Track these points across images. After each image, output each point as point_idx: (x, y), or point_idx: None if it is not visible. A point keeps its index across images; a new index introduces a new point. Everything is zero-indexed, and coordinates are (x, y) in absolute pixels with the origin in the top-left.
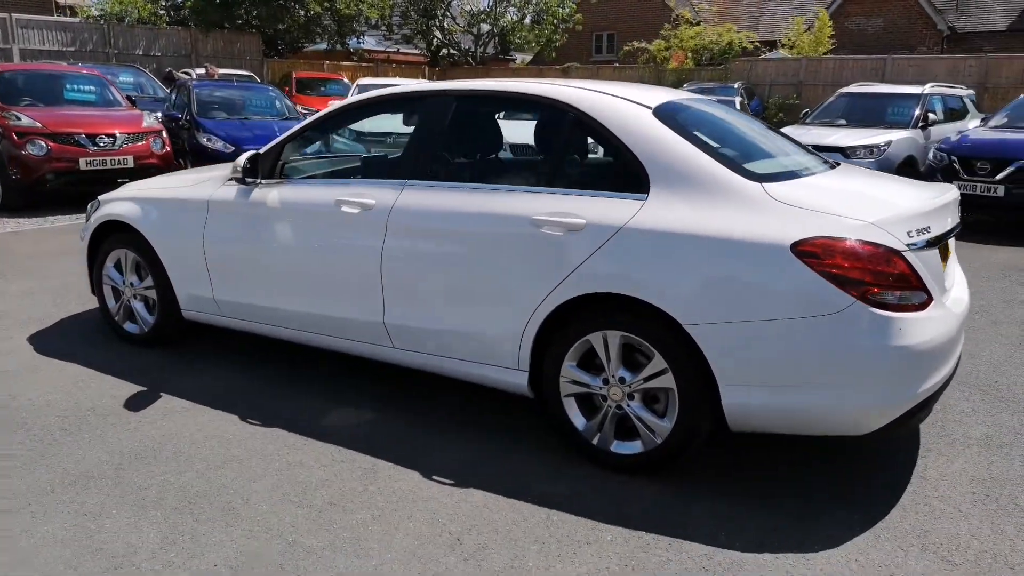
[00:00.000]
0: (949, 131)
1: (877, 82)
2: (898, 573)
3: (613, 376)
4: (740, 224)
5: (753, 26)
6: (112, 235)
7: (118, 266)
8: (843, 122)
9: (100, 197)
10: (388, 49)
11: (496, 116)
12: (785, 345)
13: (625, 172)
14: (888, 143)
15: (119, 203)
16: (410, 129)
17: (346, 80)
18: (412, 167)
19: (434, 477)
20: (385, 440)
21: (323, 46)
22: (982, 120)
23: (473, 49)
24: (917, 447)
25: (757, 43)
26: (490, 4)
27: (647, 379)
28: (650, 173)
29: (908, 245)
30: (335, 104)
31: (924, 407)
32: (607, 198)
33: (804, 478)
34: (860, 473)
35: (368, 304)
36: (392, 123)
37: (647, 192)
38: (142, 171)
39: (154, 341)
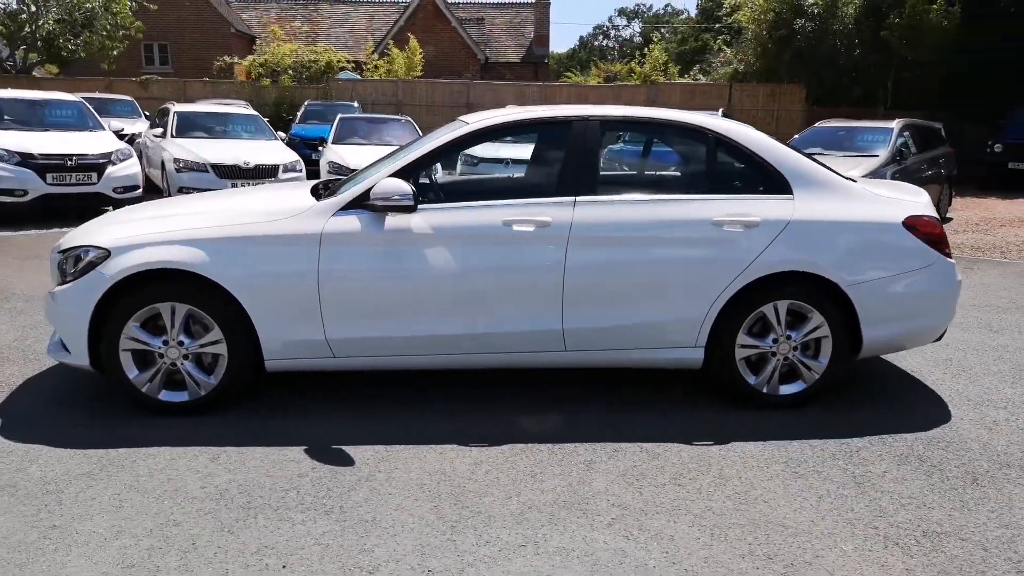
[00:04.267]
0: None
1: (467, 103)
2: (1000, 420)
3: (781, 336)
4: (865, 210)
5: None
6: (139, 289)
7: (148, 325)
8: (510, 139)
9: (100, 244)
10: None
11: (642, 138)
12: (903, 290)
13: (767, 178)
14: None
15: (159, 248)
16: None
17: None
18: (577, 184)
19: (695, 442)
20: (613, 430)
21: None
22: None
23: (11, 56)
24: (886, 362)
25: (353, 64)
26: (25, 5)
27: (807, 333)
28: (789, 178)
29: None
30: (455, 132)
31: None
32: (763, 199)
33: (855, 391)
34: (878, 380)
35: (545, 314)
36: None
37: (791, 193)
38: None
39: (209, 406)
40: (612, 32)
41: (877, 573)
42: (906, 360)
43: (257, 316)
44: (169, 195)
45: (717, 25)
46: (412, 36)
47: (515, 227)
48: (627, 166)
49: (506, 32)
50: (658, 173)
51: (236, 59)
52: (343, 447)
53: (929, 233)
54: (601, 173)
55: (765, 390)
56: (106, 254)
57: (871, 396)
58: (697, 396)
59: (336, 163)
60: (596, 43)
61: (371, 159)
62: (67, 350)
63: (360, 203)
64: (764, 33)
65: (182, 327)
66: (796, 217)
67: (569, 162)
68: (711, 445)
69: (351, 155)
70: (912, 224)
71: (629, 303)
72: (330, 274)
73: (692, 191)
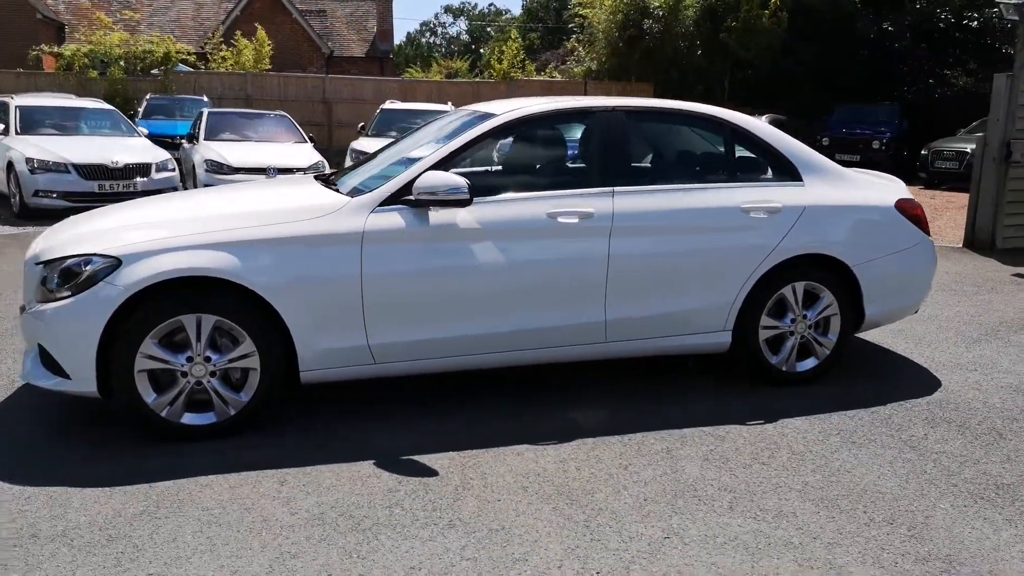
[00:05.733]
0: None
1: (324, 98)
2: (981, 381)
3: (799, 316)
4: (863, 195)
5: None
6: (156, 301)
7: (166, 341)
8: (395, 134)
9: (106, 252)
10: None
11: (665, 128)
12: (897, 268)
13: (780, 166)
14: None
15: (183, 254)
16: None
17: None
18: (613, 174)
19: (748, 423)
20: (665, 418)
21: None
22: None
23: None
24: (857, 337)
25: (195, 55)
26: None
27: (820, 312)
28: (798, 166)
29: None
30: (488, 123)
31: None
32: (779, 186)
33: (848, 365)
34: (859, 354)
35: (590, 306)
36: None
37: (801, 180)
38: None
39: (238, 426)
40: (439, 29)
41: (985, 526)
42: (870, 334)
43: (294, 324)
44: (20, 200)
45: (541, 25)
46: (259, 27)
47: (560, 219)
48: (669, 155)
49: (348, 25)
50: (683, 160)
51: (55, 48)
52: (412, 457)
53: (915, 214)
54: (639, 161)
55: (785, 368)
56: (115, 263)
57: (863, 369)
58: (714, 379)
59: (215, 161)
60: (424, 40)
61: (251, 156)
62: (61, 375)
63: (400, 198)
64: (615, 32)
65: (208, 342)
66: (810, 202)
67: (604, 152)
68: (763, 424)
69: (230, 152)
70: (902, 206)
71: (668, 291)
72: (373, 275)
73: (716, 180)
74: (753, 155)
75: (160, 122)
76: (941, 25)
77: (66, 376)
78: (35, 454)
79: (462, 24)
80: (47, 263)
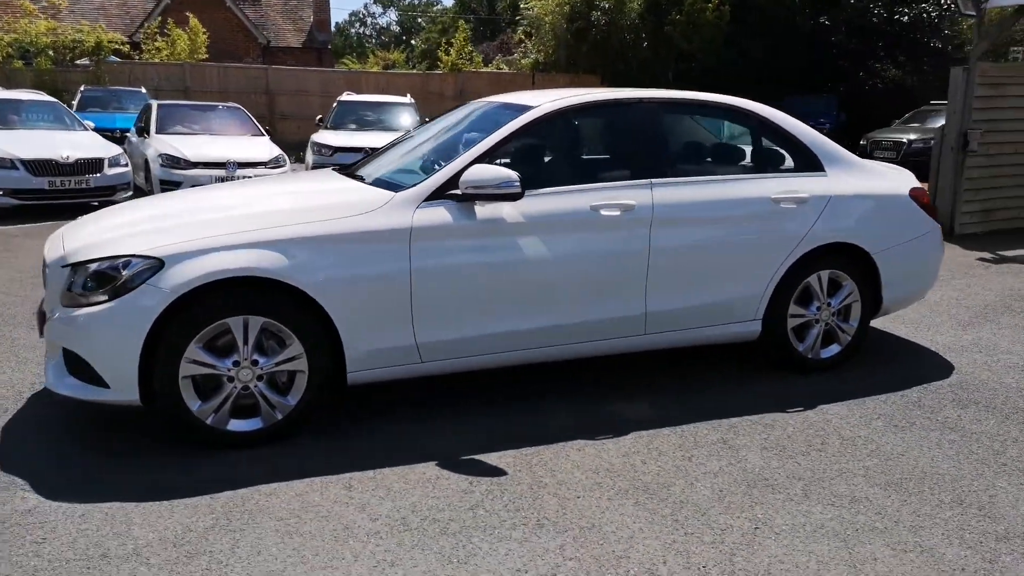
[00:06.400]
0: None
1: (267, 89)
2: (990, 362)
3: (824, 304)
4: (881, 184)
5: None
6: (201, 303)
7: (211, 345)
8: (354, 127)
9: (147, 253)
10: None
11: (695, 120)
12: (911, 254)
13: (803, 157)
14: None
15: (231, 253)
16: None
17: None
18: (651, 167)
19: (788, 410)
20: (706, 409)
21: None
22: None
23: None
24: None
25: (128, 45)
26: None
27: (843, 299)
28: (820, 156)
29: None
30: (528, 115)
31: None
32: (804, 176)
33: (863, 350)
34: (879, 338)
35: (632, 298)
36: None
37: (824, 170)
38: None
39: (285, 431)
40: (369, 20)
41: None
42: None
43: (343, 324)
44: None
45: (474, 16)
46: (192, 15)
47: (603, 212)
48: (703, 146)
49: (283, 15)
50: (714, 152)
51: None
52: (474, 457)
53: (926, 203)
54: (675, 153)
55: (810, 355)
56: (158, 265)
57: (877, 354)
58: (735, 368)
59: (170, 155)
60: (353, 30)
61: (208, 150)
62: (97, 384)
63: (444, 192)
64: (562, 24)
65: (254, 344)
66: (834, 192)
67: (640, 144)
68: (804, 411)
69: (186, 145)
70: (915, 195)
71: (705, 282)
72: (422, 271)
73: (745, 171)
74: (778, 146)
75: (96, 115)
76: (874, 20)
77: (104, 385)
78: (70, 468)
79: (392, 15)
80: (75, 266)
